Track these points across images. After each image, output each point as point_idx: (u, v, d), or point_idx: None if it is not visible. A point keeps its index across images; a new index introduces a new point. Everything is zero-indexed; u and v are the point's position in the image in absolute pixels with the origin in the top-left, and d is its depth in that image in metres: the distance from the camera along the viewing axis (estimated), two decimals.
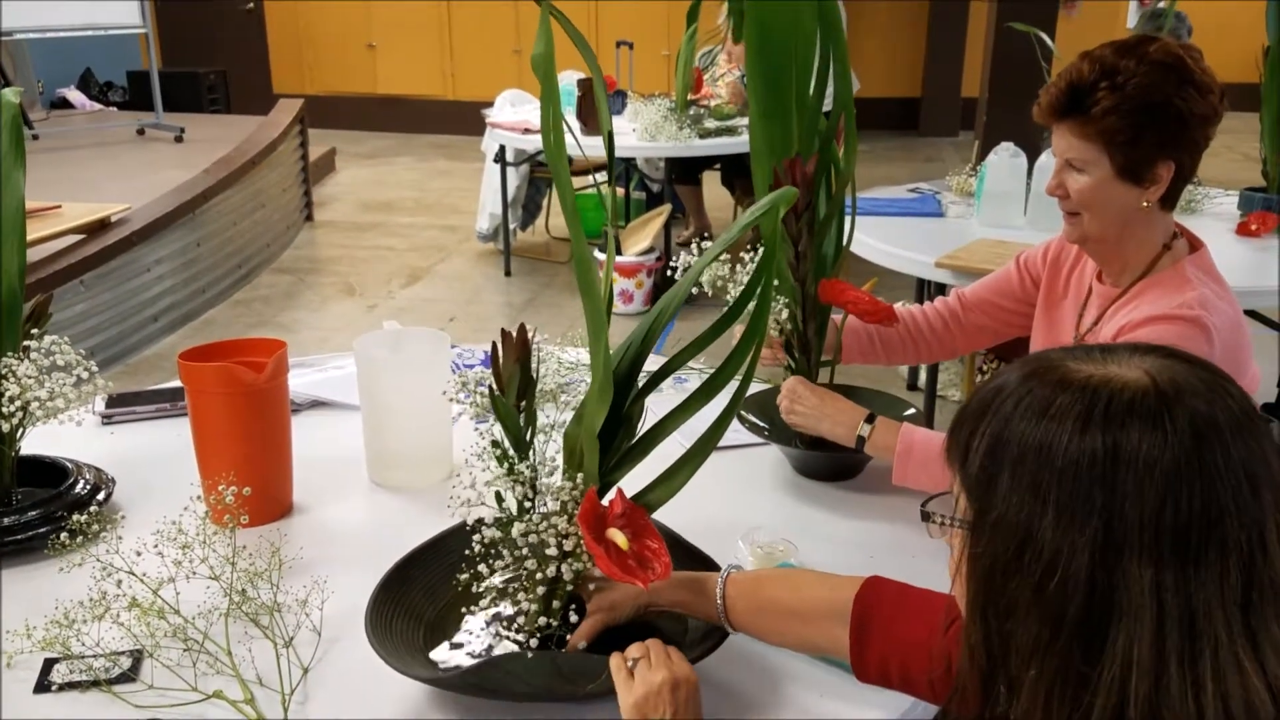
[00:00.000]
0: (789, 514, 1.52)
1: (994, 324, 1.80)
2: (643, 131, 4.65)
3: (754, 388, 1.78)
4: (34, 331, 1.41)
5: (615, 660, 1.04)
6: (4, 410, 1.32)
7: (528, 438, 1.16)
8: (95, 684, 1.14)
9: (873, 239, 2.92)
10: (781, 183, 1.52)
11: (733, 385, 1.18)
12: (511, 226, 5.41)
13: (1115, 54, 1.46)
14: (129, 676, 1.16)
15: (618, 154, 4.98)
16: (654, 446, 1.17)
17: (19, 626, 1.19)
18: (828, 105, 1.49)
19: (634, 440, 1.17)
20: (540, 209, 5.76)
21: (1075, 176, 1.50)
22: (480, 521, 1.13)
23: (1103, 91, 1.44)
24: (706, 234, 5.47)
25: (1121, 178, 1.46)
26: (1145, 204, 1.47)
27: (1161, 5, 5.71)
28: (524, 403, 1.16)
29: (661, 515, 1.30)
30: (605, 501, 1.11)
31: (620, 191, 5.48)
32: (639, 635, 1.11)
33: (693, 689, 1.01)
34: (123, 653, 1.19)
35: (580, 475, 1.13)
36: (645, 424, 1.19)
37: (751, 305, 1.16)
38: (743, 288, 1.26)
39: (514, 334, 1.15)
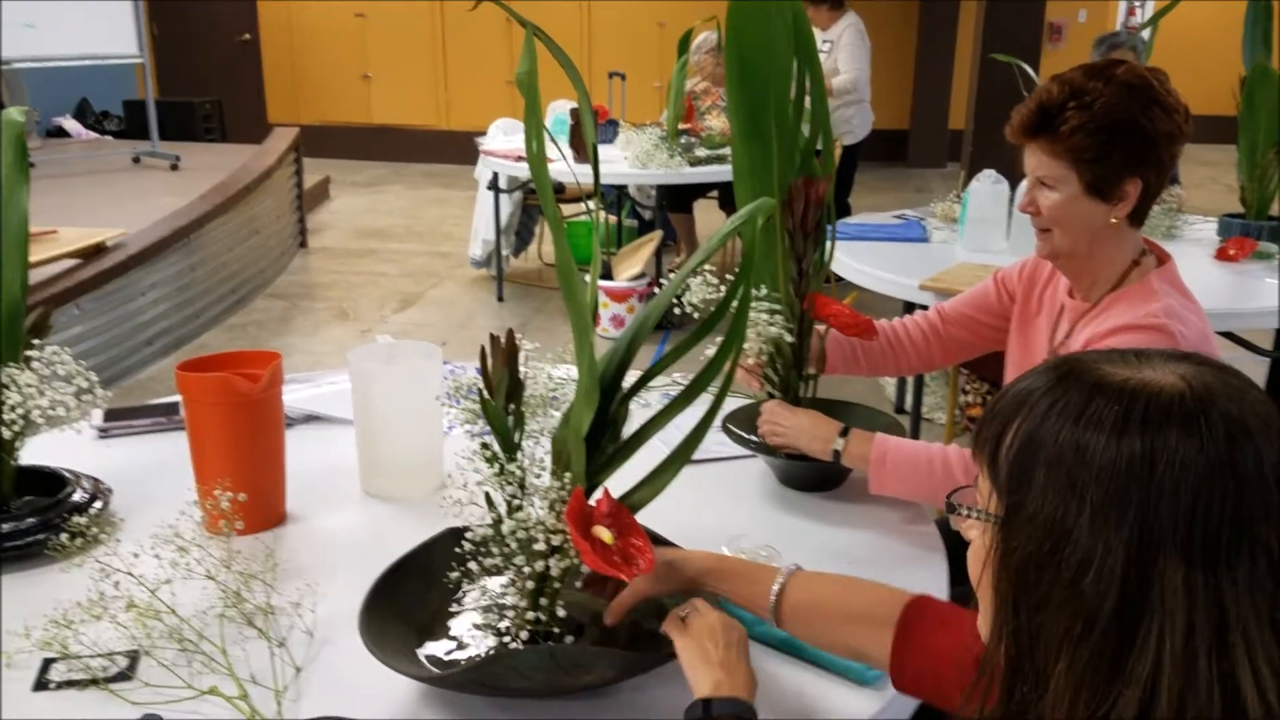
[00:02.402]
0: (773, 522, 1.56)
1: (971, 338, 1.85)
2: (634, 159, 4.72)
3: (739, 402, 1.83)
4: (35, 342, 1.44)
5: (670, 618, 1.12)
6: (5, 418, 1.36)
7: (516, 440, 1.20)
8: (93, 682, 1.17)
9: (858, 262, 2.97)
10: (795, 203, 1.56)
11: (717, 392, 1.22)
12: (504, 253, 5.47)
13: (1084, 76, 1.53)
14: (126, 675, 1.18)
15: (610, 181, 5.06)
16: (637, 448, 1.20)
17: (18, 627, 1.22)
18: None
19: (619, 443, 1.21)
20: (533, 235, 5.83)
21: (1046, 194, 1.55)
22: (467, 528, 1.17)
23: (1071, 111, 1.50)
24: None
25: (1090, 194, 1.52)
26: (1113, 220, 1.52)
27: (1119, 31, 5.85)
28: (512, 405, 1.20)
29: (650, 522, 1.33)
30: (592, 501, 1.15)
31: (613, 219, 5.55)
32: (645, 632, 1.16)
33: (743, 635, 1.08)
34: (120, 653, 1.21)
35: (568, 475, 1.16)
36: (631, 429, 1.23)
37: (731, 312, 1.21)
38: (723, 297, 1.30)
39: (502, 339, 1.19)
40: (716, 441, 1.70)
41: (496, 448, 1.20)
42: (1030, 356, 1.73)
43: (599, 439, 1.20)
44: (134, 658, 1.21)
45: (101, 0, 6.62)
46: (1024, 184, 1.61)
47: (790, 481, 1.65)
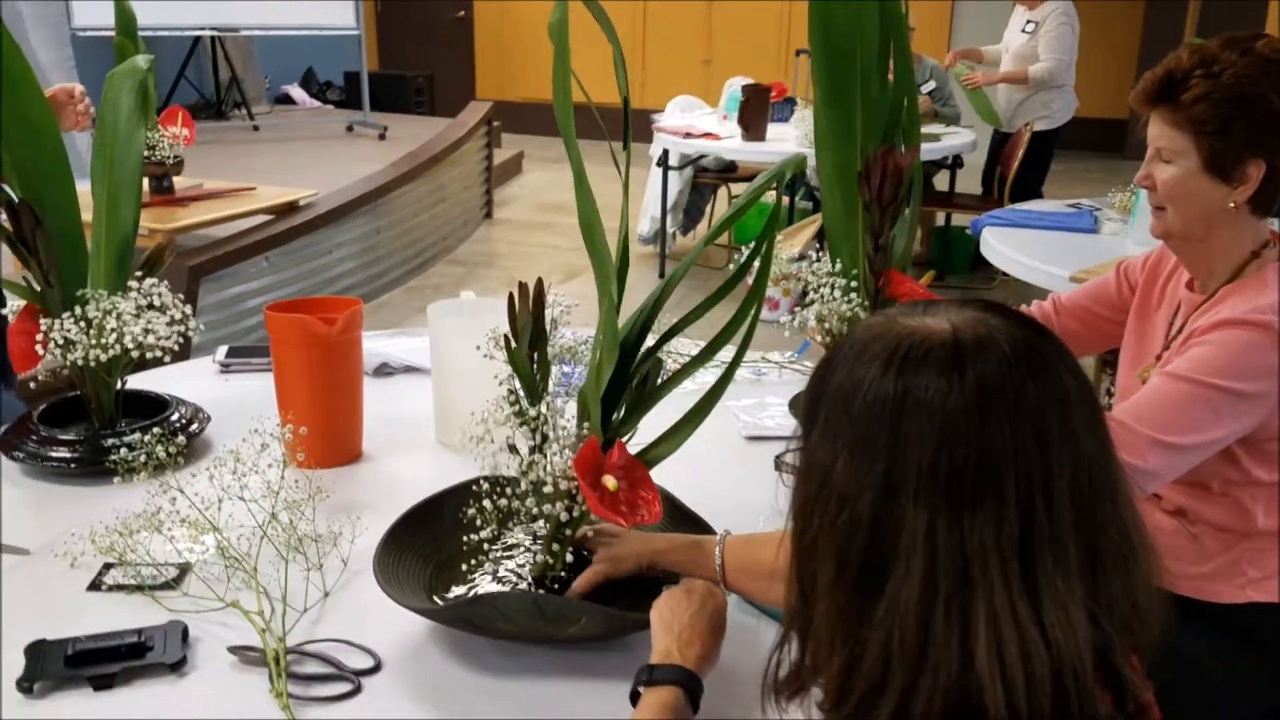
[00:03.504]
0: None
1: (1085, 330, 1.72)
2: (803, 138, 4.62)
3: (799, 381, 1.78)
4: (138, 274, 1.55)
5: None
6: (105, 342, 1.47)
7: (540, 388, 1.21)
8: (139, 588, 1.26)
9: (1008, 248, 2.82)
10: (871, 175, 1.50)
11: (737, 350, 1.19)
12: (671, 230, 5.49)
13: (1220, 46, 1.40)
14: (171, 585, 1.27)
15: (777, 159, 4.98)
16: (654, 403, 1.20)
17: (86, 533, 1.32)
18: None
19: (639, 398, 1.20)
20: (702, 214, 5.82)
21: (1163, 167, 1.43)
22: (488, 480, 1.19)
23: (1196, 79, 1.37)
24: None
25: (1209, 172, 1.38)
26: (1233, 204, 1.38)
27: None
28: (535, 353, 1.21)
29: (691, 494, 1.33)
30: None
31: (785, 199, 5.47)
32: (639, 592, 1.15)
33: (718, 608, 1.07)
34: (172, 564, 1.30)
35: (587, 426, 1.17)
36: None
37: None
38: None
39: (530, 287, 1.20)
40: (776, 417, 1.66)
41: (522, 394, 1.22)
42: (1146, 351, 1.60)
43: (619, 393, 1.19)
44: (184, 570, 1.30)
45: None
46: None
47: None
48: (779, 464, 0.82)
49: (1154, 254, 1.65)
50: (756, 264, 1.22)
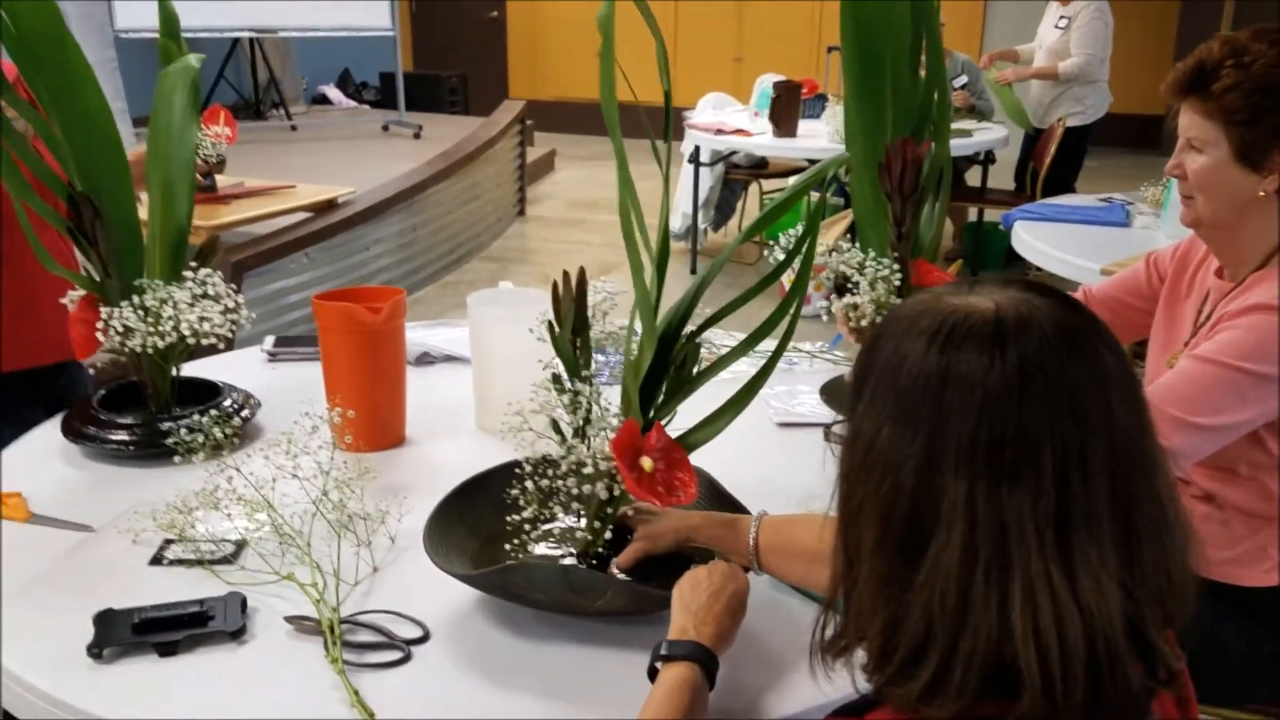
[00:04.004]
0: None
1: (1116, 320, 1.74)
2: (834, 134, 4.64)
3: (837, 371, 1.81)
4: (193, 264, 1.61)
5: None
6: (162, 329, 1.53)
7: (582, 372, 1.26)
8: (199, 562, 1.32)
9: (1040, 241, 2.84)
10: (892, 165, 1.55)
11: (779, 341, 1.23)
12: (703, 226, 5.52)
13: (1251, 37, 1.43)
14: (229, 560, 1.32)
15: (807, 155, 5.00)
16: (693, 390, 1.23)
17: (147, 511, 1.38)
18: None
19: (679, 383, 1.24)
20: (734, 210, 5.85)
21: (1194, 157, 1.46)
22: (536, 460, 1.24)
23: (1227, 69, 1.40)
24: None
25: (1239, 161, 1.41)
26: (1262, 193, 1.40)
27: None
28: (578, 339, 1.25)
29: (723, 479, 1.37)
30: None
31: (815, 195, 5.49)
32: (675, 570, 1.18)
33: (738, 589, 1.09)
34: (229, 540, 1.36)
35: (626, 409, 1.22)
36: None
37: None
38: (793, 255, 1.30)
39: (574, 275, 1.25)
40: (813, 406, 1.69)
41: (564, 377, 1.27)
42: (1174, 338, 1.62)
43: (659, 379, 1.23)
44: (240, 546, 1.35)
45: None
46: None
47: None
48: (828, 434, 0.86)
49: (1183, 244, 1.67)
50: (798, 261, 1.26)
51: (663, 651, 1.02)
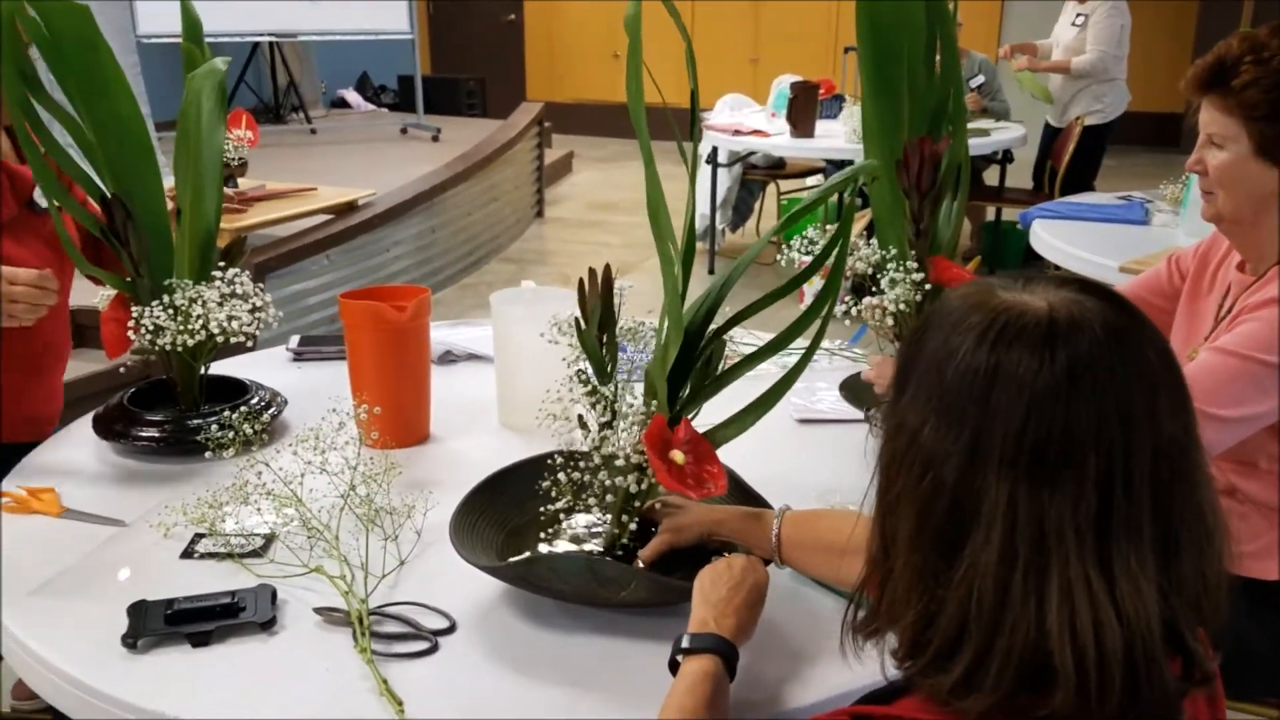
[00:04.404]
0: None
1: None
2: (851, 134, 4.65)
3: (857, 368, 1.82)
4: (221, 264, 1.64)
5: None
6: (191, 328, 1.56)
7: (609, 368, 1.28)
8: (229, 556, 1.34)
9: (1058, 239, 2.84)
10: (910, 162, 1.56)
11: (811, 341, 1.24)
12: (721, 227, 5.53)
13: (1269, 33, 1.44)
14: (258, 553, 1.35)
15: (825, 156, 5.01)
16: (722, 387, 1.25)
17: (179, 506, 1.41)
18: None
19: (705, 379, 1.26)
20: (752, 211, 5.86)
21: (1214, 152, 1.47)
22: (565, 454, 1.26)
23: (1246, 65, 1.41)
24: None
25: (1259, 156, 1.42)
26: None
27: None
28: (605, 336, 1.27)
29: (751, 471, 1.39)
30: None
31: (836, 195, 5.49)
32: (698, 563, 1.19)
33: (758, 582, 1.10)
34: (258, 534, 1.38)
35: (654, 404, 1.23)
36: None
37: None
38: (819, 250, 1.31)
39: (600, 274, 1.27)
40: (833, 401, 1.71)
41: (592, 373, 1.29)
42: (1196, 333, 1.63)
43: (685, 374, 1.25)
44: (269, 540, 1.38)
45: None
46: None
47: None
48: (870, 419, 0.86)
49: (1205, 241, 1.68)
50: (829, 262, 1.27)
51: (684, 644, 1.03)
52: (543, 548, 1.31)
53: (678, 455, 1.17)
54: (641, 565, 1.24)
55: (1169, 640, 0.71)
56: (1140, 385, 0.71)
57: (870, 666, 0.83)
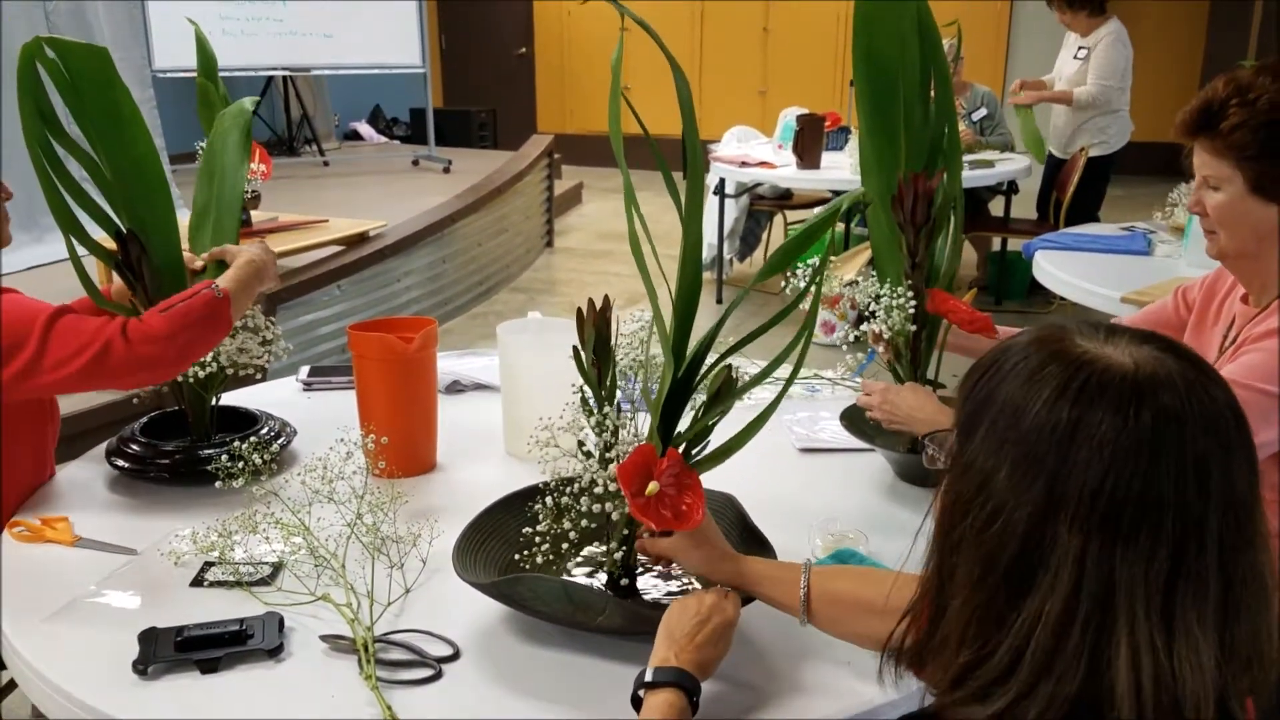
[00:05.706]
0: (875, 512, 1.58)
1: None
2: (857, 166, 4.68)
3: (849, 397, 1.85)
4: None
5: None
6: (204, 360, 1.59)
7: (604, 394, 1.30)
8: (238, 584, 1.37)
9: (1060, 270, 2.86)
10: (904, 194, 1.59)
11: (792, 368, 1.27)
12: (728, 257, 5.57)
13: (1254, 73, 1.46)
14: (266, 581, 1.37)
15: (831, 187, 5.05)
16: (722, 415, 1.27)
17: (188, 534, 1.43)
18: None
19: (713, 410, 1.28)
20: (759, 241, 5.90)
21: (1211, 194, 1.50)
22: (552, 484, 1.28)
23: (1233, 108, 1.43)
24: None
25: (1255, 193, 1.45)
26: None
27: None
28: (601, 363, 1.30)
29: (746, 503, 1.40)
30: None
31: (841, 226, 5.53)
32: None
33: (725, 620, 1.09)
34: (266, 562, 1.41)
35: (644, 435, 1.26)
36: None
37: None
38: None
39: (597, 304, 1.30)
40: (835, 430, 1.73)
41: (590, 399, 1.31)
42: None
43: (682, 404, 1.28)
44: (277, 568, 1.40)
45: (390, 16, 7.29)
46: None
47: (908, 475, 1.65)
48: (923, 442, 0.87)
49: (1212, 274, 1.71)
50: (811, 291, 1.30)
51: (647, 678, 1.04)
52: (524, 565, 1.33)
53: (652, 485, 1.18)
54: (641, 558, 1.25)
55: (1219, 708, 0.71)
56: (1217, 446, 0.71)
57: (862, 695, 0.85)
